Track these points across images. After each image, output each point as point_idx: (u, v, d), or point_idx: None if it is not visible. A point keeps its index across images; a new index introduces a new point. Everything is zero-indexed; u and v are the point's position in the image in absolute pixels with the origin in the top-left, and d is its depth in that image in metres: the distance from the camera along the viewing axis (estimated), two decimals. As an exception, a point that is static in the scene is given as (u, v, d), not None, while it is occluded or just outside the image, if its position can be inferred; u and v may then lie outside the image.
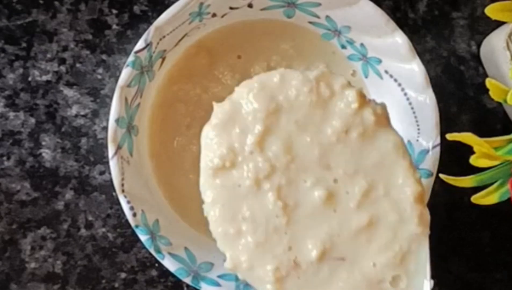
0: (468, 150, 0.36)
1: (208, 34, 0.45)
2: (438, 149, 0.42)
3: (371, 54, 0.44)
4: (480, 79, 0.48)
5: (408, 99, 0.43)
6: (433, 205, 0.45)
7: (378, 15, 0.41)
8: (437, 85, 0.47)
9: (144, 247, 0.41)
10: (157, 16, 0.40)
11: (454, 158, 0.42)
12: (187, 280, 0.41)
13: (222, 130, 0.35)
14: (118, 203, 0.41)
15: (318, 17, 0.43)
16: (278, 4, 0.43)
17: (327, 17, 0.43)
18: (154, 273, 0.46)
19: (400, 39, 0.41)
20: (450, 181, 0.38)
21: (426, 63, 0.42)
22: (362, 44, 0.44)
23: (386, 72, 0.44)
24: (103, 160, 0.46)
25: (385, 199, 0.35)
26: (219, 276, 0.42)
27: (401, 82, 0.43)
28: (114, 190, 0.40)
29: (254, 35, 0.45)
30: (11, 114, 0.45)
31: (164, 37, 0.41)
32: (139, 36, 0.40)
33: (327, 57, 0.46)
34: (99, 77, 0.46)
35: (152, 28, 0.40)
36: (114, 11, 0.46)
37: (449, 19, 0.48)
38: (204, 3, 0.41)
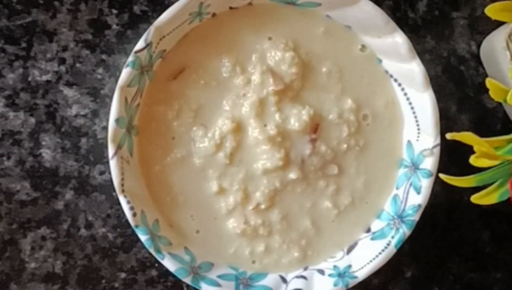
0: (468, 150, 0.36)
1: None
2: (438, 149, 0.42)
3: (371, 54, 0.44)
4: (480, 79, 0.48)
5: (408, 99, 0.43)
6: (433, 205, 0.45)
7: (378, 15, 0.41)
8: (437, 85, 0.47)
9: (144, 247, 0.41)
10: (157, 16, 0.40)
11: (454, 158, 0.42)
12: (187, 280, 0.41)
13: None
14: (118, 203, 0.41)
15: (318, 17, 0.43)
16: (278, 4, 0.43)
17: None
18: (154, 273, 0.46)
19: (400, 39, 0.41)
20: (450, 181, 0.38)
21: (426, 63, 0.42)
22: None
23: (386, 72, 0.44)
24: (103, 160, 0.46)
25: None
26: (219, 276, 0.42)
27: (401, 82, 0.43)
28: (114, 190, 0.40)
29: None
30: (11, 114, 0.45)
31: (164, 37, 0.41)
32: (139, 36, 0.40)
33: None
34: (99, 77, 0.46)
35: (152, 28, 0.40)
36: (114, 11, 0.46)
37: (449, 19, 0.48)
38: (204, 3, 0.41)
